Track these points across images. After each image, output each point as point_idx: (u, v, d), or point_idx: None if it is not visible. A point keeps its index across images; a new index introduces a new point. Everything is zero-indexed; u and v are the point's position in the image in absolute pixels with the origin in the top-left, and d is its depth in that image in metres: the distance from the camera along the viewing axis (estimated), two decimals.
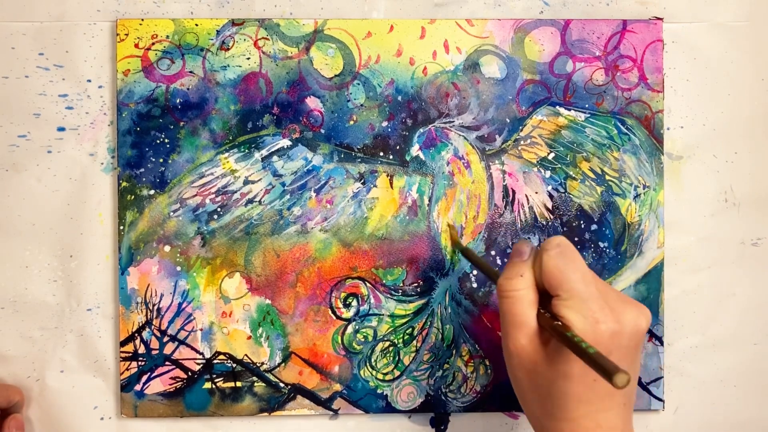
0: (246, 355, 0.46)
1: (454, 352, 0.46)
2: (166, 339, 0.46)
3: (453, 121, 0.46)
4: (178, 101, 0.45)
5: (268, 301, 0.46)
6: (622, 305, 0.34)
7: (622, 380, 0.27)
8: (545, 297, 0.36)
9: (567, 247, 0.36)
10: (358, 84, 0.46)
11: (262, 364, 0.46)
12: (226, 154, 0.46)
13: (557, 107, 0.46)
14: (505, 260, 0.46)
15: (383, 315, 0.46)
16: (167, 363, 0.46)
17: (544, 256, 0.35)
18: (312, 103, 0.46)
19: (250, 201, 0.46)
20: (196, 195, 0.46)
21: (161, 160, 0.45)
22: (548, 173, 0.46)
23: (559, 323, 0.33)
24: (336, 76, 0.46)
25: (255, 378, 0.46)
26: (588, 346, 0.30)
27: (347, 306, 0.46)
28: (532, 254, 0.37)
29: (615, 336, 0.33)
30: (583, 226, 0.46)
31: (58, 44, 0.46)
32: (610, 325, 0.33)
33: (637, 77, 0.46)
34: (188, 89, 0.45)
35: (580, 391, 0.33)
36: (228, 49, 0.45)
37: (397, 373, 0.46)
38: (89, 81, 0.46)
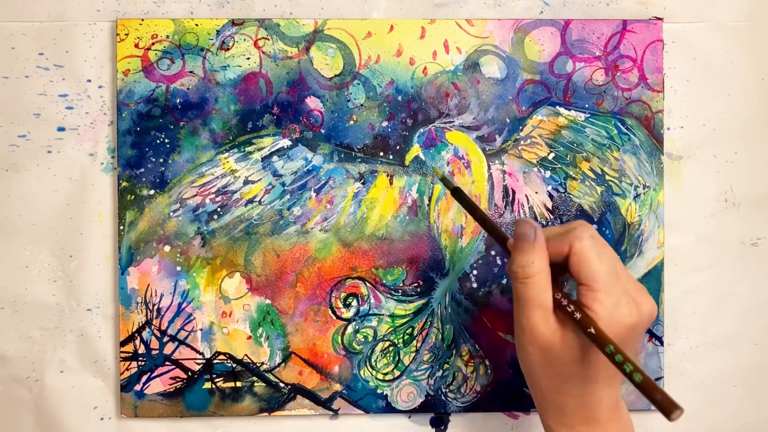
0: (246, 355, 0.46)
1: (454, 352, 0.46)
2: (166, 339, 0.45)
3: (453, 121, 0.46)
4: (178, 101, 0.45)
5: (268, 301, 0.46)
6: (640, 296, 0.36)
7: (678, 416, 0.29)
8: (559, 270, 0.37)
9: (599, 239, 0.36)
10: (358, 84, 0.46)
11: (262, 364, 0.46)
12: (226, 154, 0.46)
13: (557, 107, 0.46)
14: (505, 260, 0.46)
15: (383, 315, 0.46)
16: (167, 363, 0.46)
17: (578, 245, 0.35)
18: (312, 103, 0.46)
19: (250, 201, 0.46)
20: (196, 195, 0.46)
21: (161, 160, 0.45)
22: (548, 173, 0.46)
23: (592, 330, 0.34)
24: (336, 76, 0.46)
25: (255, 378, 0.46)
26: (633, 370, 0.31)
27: (347, 306, 0.46)
28: (538, 234, 0.37)
29: (634, 327, 0.35)
30: None
31: (58, 44, 0.46)
32: (633, 318, 0.35)
33: (637, 77, 0.46)
34: (188, 89, 0.45)
35: (592, 373, 0.35)
36: (228, 49, 0.45)
37: (397, 373, 0.46)
38: (89, 81, 0.46)
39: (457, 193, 0.41)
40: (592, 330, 0.33)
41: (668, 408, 0.29)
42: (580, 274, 0.35)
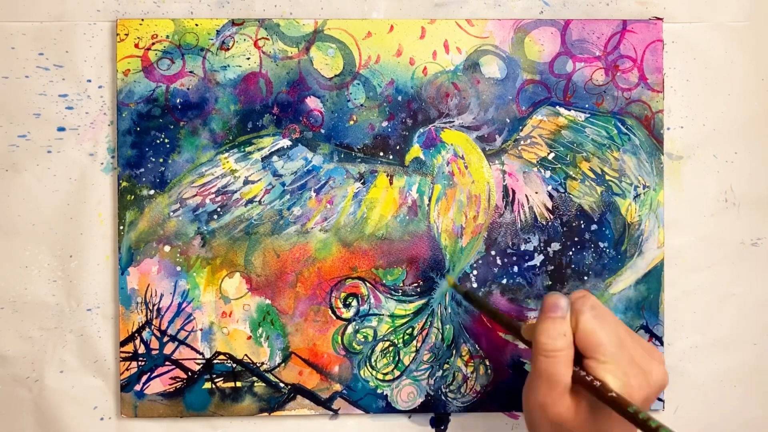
0: (246, 355, 0.46)
1: (454, 352, 0.46)
2: (166, 339, 0.46)
3: (453, 121, 0.46)
4: (178, 101, 0.45)
5: (268, 301, 0.46)
6: (649, 364, 0.35)
7: None
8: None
9: (600, 308, 0.36)
10: (358, 84, 0.46)
11: (262, 364, 0.46)
12: (226, 154, 0.46)
13: (557, 107, 0.46)
14: (505, 260, 0.46)
15: (383, 315, 0.46)
16: (167, 363, 0.46)
17: (581, 318, 0.35)
18: (312, 103, 0.46)
19: (250, 201, 0.46)
20: (196, 195, 0.46)
21: (161, 160, 0.45)
22: (548, 173, 0.46)
23: (614, 394, 0.33)
24: (336, 76, 0.46)
25: (255, 378, 0.46)
26: (659, 425, 0.31)
27: (347, 306, 0.46)
28: (569, 308, 0.36)
29: (645, 400, 0.34)
30: (583, 226, 0.46)
31: (58, 44, 0.46)
32: (643, 390, 0.34)
33: (637, 77, 0.46)
34: (188, 89, 0.45)
35: None
36: (228, 49, 0.45)
37: (397, 373, 0.46)
38: (89, 81, 0.46)
39: (468, 296, 0.45)
40: (614, 393, 0.33)
41: None
42: (587, 348, 0.35)
